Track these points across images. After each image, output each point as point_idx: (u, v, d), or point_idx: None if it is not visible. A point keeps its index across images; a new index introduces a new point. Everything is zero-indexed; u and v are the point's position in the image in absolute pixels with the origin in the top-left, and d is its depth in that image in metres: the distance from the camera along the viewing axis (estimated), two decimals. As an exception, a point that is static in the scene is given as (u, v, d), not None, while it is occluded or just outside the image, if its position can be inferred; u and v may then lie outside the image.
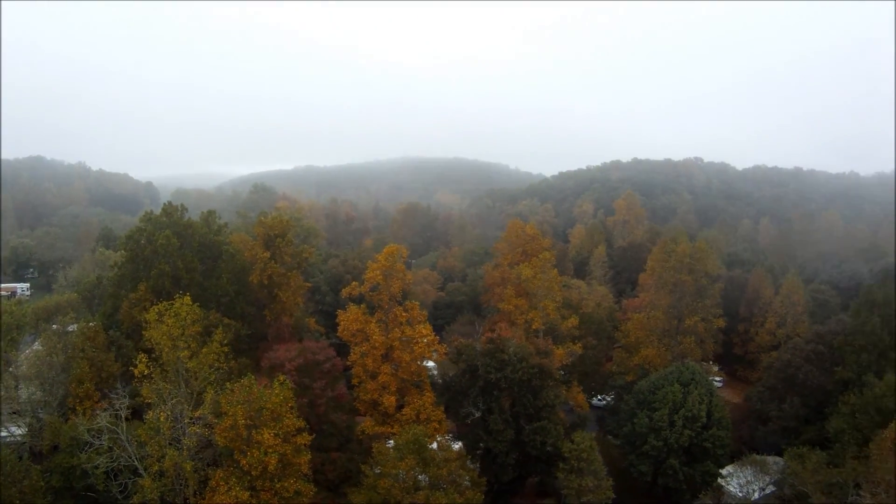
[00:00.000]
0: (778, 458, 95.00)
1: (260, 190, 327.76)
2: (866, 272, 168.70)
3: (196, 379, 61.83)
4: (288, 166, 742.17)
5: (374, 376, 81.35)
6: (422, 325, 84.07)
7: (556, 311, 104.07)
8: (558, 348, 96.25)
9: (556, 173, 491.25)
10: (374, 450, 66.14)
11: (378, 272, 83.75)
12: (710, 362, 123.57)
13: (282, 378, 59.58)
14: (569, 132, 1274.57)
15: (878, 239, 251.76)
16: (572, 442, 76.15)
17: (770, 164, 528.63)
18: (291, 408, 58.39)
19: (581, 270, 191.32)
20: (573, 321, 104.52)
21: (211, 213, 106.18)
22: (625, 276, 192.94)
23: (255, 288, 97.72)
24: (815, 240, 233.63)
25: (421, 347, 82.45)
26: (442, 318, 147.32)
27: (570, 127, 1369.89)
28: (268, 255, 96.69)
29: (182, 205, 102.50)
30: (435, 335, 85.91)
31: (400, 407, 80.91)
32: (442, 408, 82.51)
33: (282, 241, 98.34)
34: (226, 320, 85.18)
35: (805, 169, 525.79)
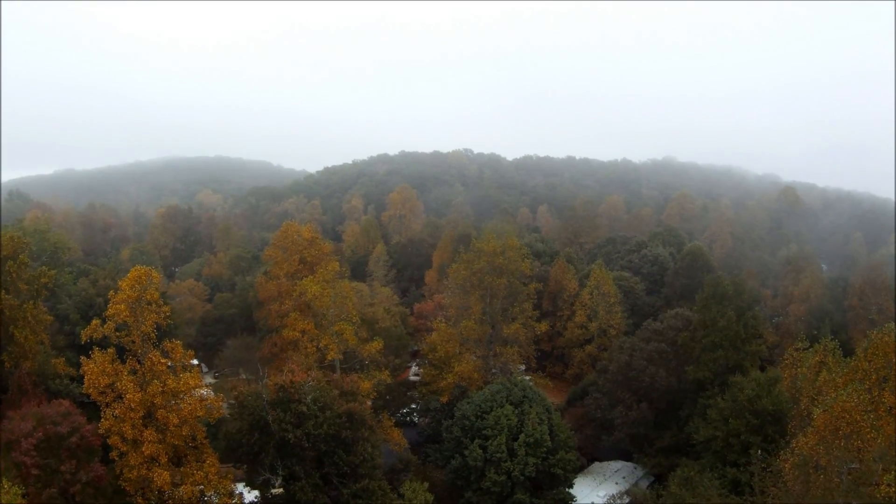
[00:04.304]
0: (620, 463, 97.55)
1: (15, 198, 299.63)
2: (668, 256, 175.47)
3: None
4: (48, 170, 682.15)
5: (137, 446, 67.06)
6: (188, 374, 70.08)
7: (354, 335, 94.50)
8: (364, 380, 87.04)
9: (320, 168, 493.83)
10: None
11: (123, 305, 67.37)
12: (523, 367, 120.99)
13: (7, 485, 45.35)
14: (334, 132, 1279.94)
15: (662, 220, 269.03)
16: (402, 497, 67.99)
17: (542, 154, 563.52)
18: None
19: (359, 271, 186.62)
20: (377, 345, 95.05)
21: None
22: (407, 273, 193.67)
23: None
24: (600, 224, 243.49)
25: (192, 404, 69.03)
26: (212, 335, 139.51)
27: (335, 126, 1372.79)
28: (-3, 283, 79.78)
29: None
30: (208, 385, 73.71)
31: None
32: (231, 476, 70.49)
33: (13, 265, 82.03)
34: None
35: (578, 157, 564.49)
